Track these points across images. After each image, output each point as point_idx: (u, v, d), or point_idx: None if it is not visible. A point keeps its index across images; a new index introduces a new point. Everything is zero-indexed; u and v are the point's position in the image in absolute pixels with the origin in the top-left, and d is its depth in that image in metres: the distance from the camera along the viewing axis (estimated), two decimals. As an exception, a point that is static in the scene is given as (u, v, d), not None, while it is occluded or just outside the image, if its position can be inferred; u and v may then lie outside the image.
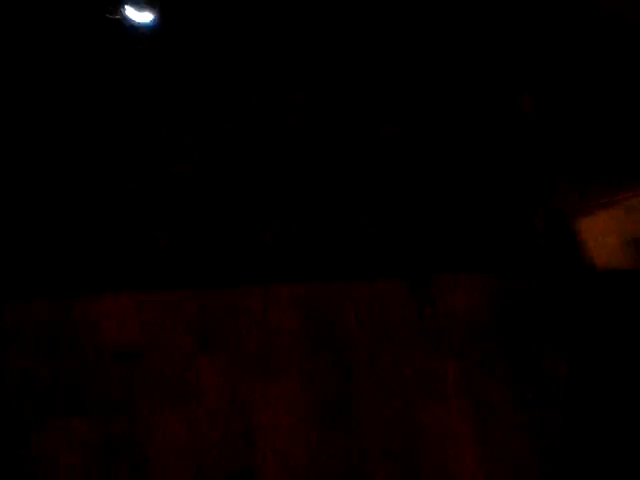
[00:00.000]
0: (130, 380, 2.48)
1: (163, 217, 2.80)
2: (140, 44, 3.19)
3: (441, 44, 3.15)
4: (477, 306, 2.73)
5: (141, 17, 3.16)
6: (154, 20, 3.19)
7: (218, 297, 2.64)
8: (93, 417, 2.43)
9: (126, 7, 3.12)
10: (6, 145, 2.89)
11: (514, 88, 3.10)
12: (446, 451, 2.57)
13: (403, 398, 2.62)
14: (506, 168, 2.99)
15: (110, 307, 2.56)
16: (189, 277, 2.71)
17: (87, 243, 2.74)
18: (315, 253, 2.78)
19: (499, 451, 2.58)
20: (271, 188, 2.87)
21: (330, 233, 2.83)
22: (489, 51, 3.14)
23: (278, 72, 3.11)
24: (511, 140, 3.02)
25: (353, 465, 2.50)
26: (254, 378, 2.56)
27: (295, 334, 2.63)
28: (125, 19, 3.15)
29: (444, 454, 2.57)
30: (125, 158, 2.91)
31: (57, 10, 3.10)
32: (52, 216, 2.77)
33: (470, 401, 2.61)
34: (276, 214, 2.84)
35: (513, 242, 2.84)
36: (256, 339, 2.61)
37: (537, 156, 2.98)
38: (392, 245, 2.82)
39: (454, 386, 2.64)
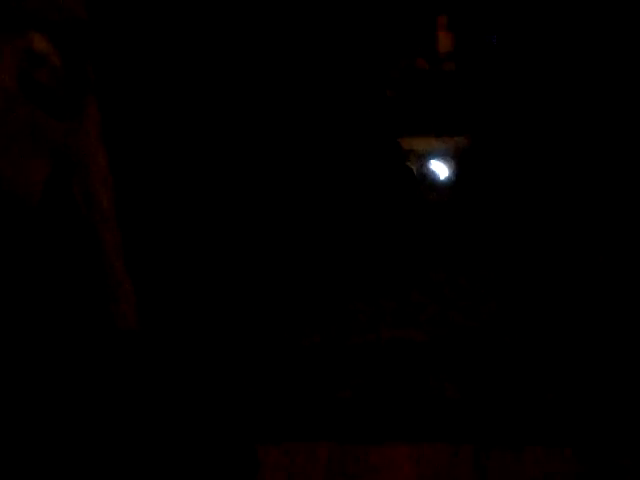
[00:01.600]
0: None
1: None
2: (433, 196, 3.26)
3: None
4: None
5: (442, 171, 3.26)
6: (449, 175, 3.28)
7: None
8: None
9: (433, 161, 3.23)
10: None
11: None
12: None
13: None
14: None
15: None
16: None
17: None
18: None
19: None
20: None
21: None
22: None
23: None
24: None
25: None
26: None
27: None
28: (426, 170, 3.24)
29: None
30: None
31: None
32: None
33: None
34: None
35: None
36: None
37: None
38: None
39: None
